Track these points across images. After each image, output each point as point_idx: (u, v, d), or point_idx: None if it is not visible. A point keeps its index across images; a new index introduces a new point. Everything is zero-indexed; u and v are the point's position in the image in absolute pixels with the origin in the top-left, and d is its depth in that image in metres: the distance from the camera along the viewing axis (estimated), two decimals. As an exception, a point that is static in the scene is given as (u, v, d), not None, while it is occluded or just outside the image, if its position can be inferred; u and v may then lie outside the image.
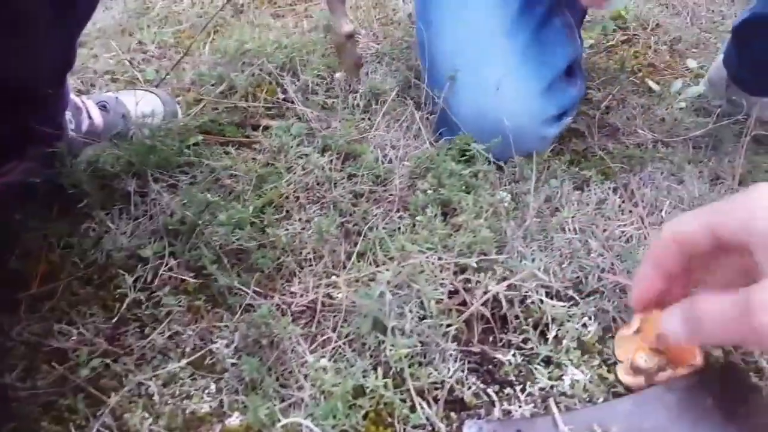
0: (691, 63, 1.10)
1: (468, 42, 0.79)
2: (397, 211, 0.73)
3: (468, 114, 0.77)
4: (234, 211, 0.69)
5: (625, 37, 1.19)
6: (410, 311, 0.56)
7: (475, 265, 0.62)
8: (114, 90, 0.97)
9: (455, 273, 0.63)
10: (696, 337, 0.39)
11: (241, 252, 0.67)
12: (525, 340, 0.59)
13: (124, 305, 0.61)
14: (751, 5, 0.87)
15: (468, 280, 0.61)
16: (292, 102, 0.91)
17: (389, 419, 0.52)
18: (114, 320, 0.60)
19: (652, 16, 1.24)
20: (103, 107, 0.85)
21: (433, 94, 0.82)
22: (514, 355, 0.58)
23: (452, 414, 0.53)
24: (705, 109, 0.97)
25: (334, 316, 0.61)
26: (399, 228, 0.70)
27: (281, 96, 0.95)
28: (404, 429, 0.51)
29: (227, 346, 0.57)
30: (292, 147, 0.83)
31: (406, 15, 1.21)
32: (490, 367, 0.57)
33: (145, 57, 1.12)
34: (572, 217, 0.71)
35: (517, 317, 0.61)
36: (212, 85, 0.98)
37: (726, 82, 0.94)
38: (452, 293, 0.60)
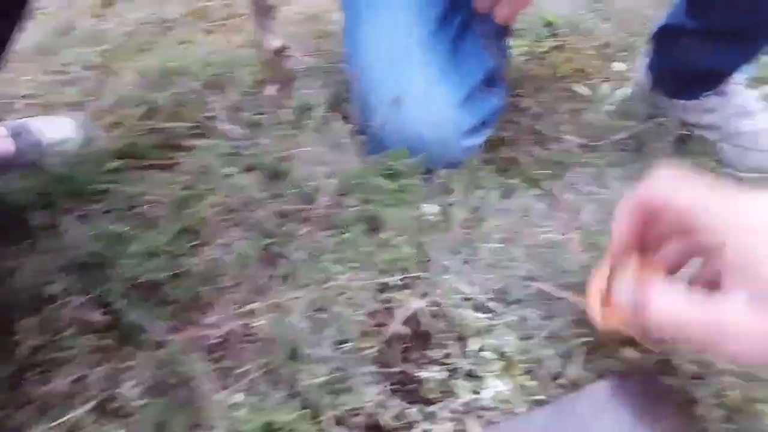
0: (619, 66, 1.13)
1: (386, 57, 0.79)
2: (324, 229, 0.72)
3: (390, 129, 0.77)
4: (148, 240, 0.67)
5: (557, 43, 1.21)
6: (329, 336, 0.55)
7: (398, 282, 0.61)
8: (29, 115, 0.94)
9: (380, 290, 0.63)
10: (640, 319, 0.41)
11: (155, 284, 0.65)
12: (447, 355, 0.59)
13: (26, 350, 0.58)
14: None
15: (390, 300, 0.61)
16: (217, 120, 0.90)
17: (306, 451, 0.51)
18: (14, 368, 0.57)
19: (582, 21, 1.26)
20: (14, 135, 0.82)
21: (356, 109, 0.82)
22: (437, 371, 0.57)
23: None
24: (632, 111, 0.99)
25: (253, 347, 0.59)
26: (325, 247, 0.69)
27: (206, 115, 0.93)
28: (322, 459, 0.50)
29: (135, 387, 0.55)
30: (215, 167, 0.81)
31: (341, 27, 1.20)
32: (413, 386, 0.57)
33: (66, 79, 1.09)
34: (497, 226, 0.72)
35: (441, 332, 0.60)
36: (135, 106, 0.96)
37: (649, 85, 0.96)
38: (374, 313, 0.60)
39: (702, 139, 0.92)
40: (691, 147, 0.90)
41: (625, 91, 1.03)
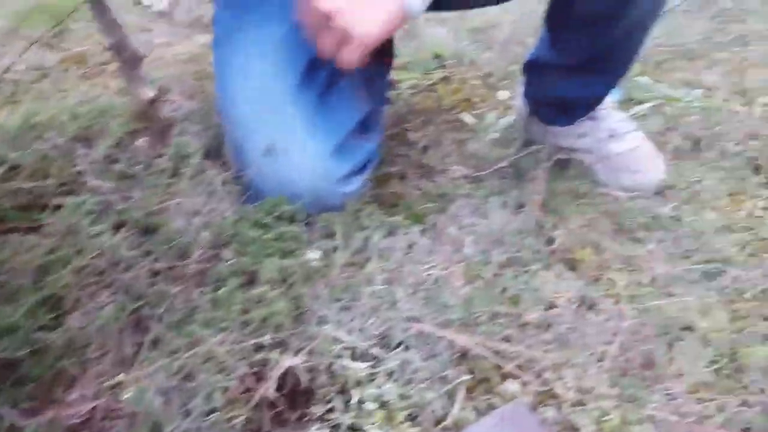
0: (503, 95, 1.17)
1: (258, 106, 0.78)
2: (198, 286, 0.69)
3: (265, 178, 0.76)
4: (2, 314, 0.62)
5: (444, 74, 1.24)
6: (195, 407, 0.52)
7: (270, 340, 0.59)
8: None
9: (255, 350, 0.60)
10: None
11: (10, 363, 0.60)
12: (330, 411, 0.57)
13: None
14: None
15: (265, 360, 0.58)
16: (87, 175, 0.85)
17: None
18: None
19: (467, 52, 1.31)
20: None
21: (231, 156, 0.80)
22: (317, 430, 0.55)
23: None
24: (515, 139, 1.03)
25: (121, 422, 0.56)
26: (198, 306, 0.66)
27: (75, 170, 0.88)
28: None
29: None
30: (83, 227, 0.76)
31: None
32: (291, 449, 0.54)
33: None
34: (380, 267, 0.71)
35: (322, 387, 0.59)
36: (-3, 165, 0.89)
37: (526, 113, 1.00)
38: (244, 377, 0.57)
39: (579, 162, 0.96)
40: (569, 171, 0.94)
41: (509, 119, 1.07)
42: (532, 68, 0.94)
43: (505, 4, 0.89)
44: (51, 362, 0.61)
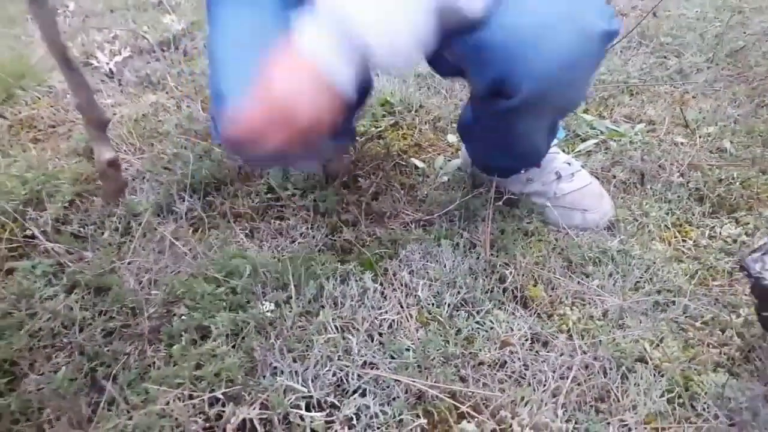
0: (452, 138, 1.23)
1: (225, 55, 0.79)
2: (152, 344, 0.72)
3: (215, 122, 0.77)
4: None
5: (393, 120, 1.30)
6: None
7: (221, 396, 0.62)
8: None
9: (211, 404, 0.63)
10: None
11: (-40, 434, 0.61)
12: (287, 461, 0.60)
13: None
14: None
15: (219, 415, 0.61)
16: (39, 238, 0.87)
17: None
18: None
19: (415, 98, 1.37)
20: None
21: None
22: (274, 482, 0.58)
23: None
24: (464, 180, 1.08)
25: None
26: (152, 364, 0.69)
27: (27, 233, 0.91)
28: None
29: None
30: (36, 289, 0.78)
31: (172, 126, 1.22)
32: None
33: None
34: (334, 314, 0.75)
35: (278, 438, 0.61)
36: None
37: (470, 164, 1.06)
38: None
39: (529, 201, 1.01)
40: (517, 210, 0.99)
41: (458, 161, 1.12)
42: (463, 131, 1.01)
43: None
44: (6, 428, 0.62)
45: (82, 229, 0.90)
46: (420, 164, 1.14)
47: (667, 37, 1.68)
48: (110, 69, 1.43)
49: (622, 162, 1.14)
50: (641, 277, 0.89)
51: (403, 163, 1.14)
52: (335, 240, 0.92)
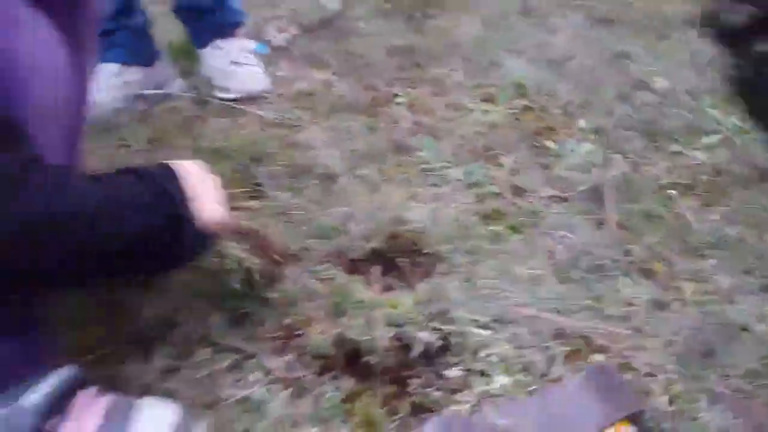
0: (582, 123, 1.44)
1: None
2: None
3: None
4: None
5: (525, 103, 1.51)
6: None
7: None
8: None
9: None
10: None
11: None
12: (464, 360, 0.86)
13: None
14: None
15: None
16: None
17: None
18: None
19: (545, 82, 1.57)
20: None
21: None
22: (459, 370, 0.84)
23: None
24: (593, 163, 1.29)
25: None
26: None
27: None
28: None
29: None
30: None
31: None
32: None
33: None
34: (492, 266, 1.00)
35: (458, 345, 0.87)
36: None
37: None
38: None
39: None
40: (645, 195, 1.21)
41: (588, 145, 1.33)
42: None
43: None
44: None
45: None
46: (552, 145, 1.35)
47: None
48: (280, 45, 1.71)
49: (743, 158, 1.31)
50: (753, 264, 1.08)
51: (537, 144, 1.36)
52: (483, 207, 1.16)
